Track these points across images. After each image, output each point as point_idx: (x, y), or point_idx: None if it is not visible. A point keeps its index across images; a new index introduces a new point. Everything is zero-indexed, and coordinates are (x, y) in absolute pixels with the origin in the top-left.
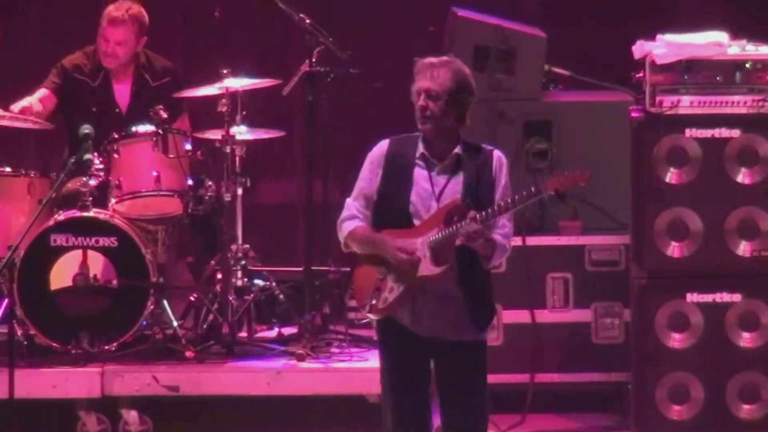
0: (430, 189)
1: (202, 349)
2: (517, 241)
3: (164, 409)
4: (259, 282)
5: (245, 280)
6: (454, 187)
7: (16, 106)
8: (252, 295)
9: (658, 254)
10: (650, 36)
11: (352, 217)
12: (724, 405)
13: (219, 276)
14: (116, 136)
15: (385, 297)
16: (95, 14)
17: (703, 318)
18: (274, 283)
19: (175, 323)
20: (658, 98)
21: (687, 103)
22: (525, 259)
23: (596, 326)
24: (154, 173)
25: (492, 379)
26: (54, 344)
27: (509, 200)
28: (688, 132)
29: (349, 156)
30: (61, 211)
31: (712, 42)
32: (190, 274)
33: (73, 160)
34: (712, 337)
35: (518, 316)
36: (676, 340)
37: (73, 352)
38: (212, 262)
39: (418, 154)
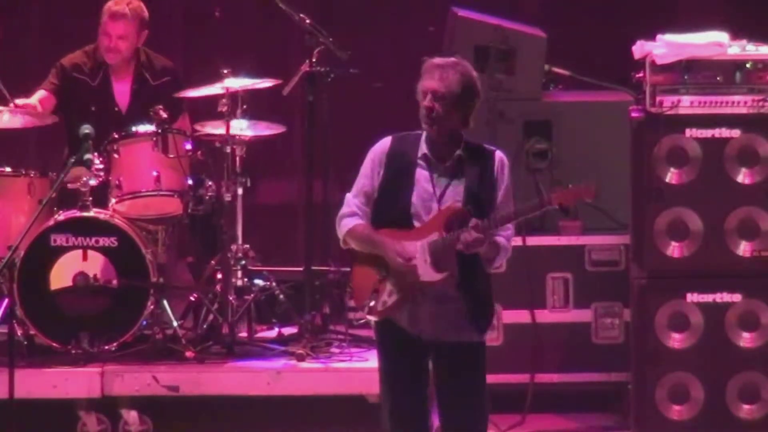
0: (432, 190)
1: (202, 349)
2: (517, 241)
3: (164, 409)
4: (259, 282)
5: (245, 280)
6: (456, 188)
7: (18, 101)
8: (252, 295)
9: (658, 254)
10: (650, 36)
11: (352, 214)
12: (724, 405)
13: (219, 276)
14: (116, 136)
15: (384, 300)
16: (95, 14)
17: (703, 318)
18: (274, 283)
19: (175, 323)
20: (658, 98)
21: (687, 103)
22: (525, 259)
23: (596, 326)
24: (154, 173)
25: (492, 379)
26: (54, 344)
27: (512, 211)
28: (688, 132)
29: (349, 156)
30: (61, 211)
31: (712, 42)
32: (190, 274)
33: (73, 160)
34: (712, 337)
35: (518, 316)
36: (676, 340)
37: (73, 352)
38: (212, 262)
39: (420, 155)
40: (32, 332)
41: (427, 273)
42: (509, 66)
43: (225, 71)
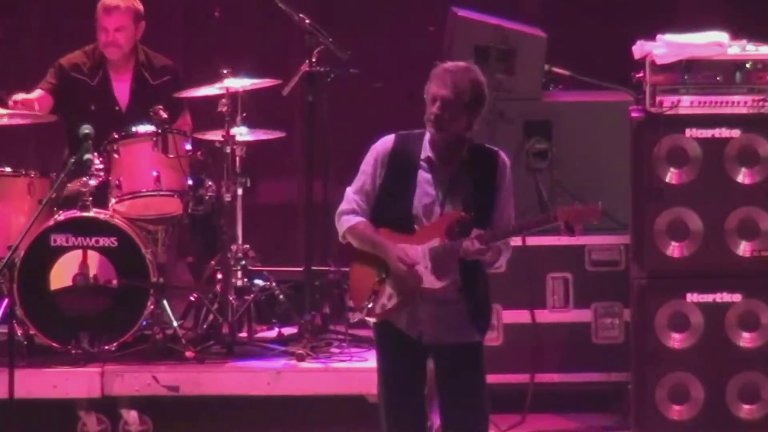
0: (434, 193)
1: (202, 349)
2: (517, 241)
3: (164, 409)
4: (259, 282)
5: (245, 280)
6: (458, 192)
7: (17, 96)
8: (252, 295)
9: (658, 254)
10: (650, 36)
11: (352, 211)
12: (724, 405)
13: (219, 276)
14: (116, 136)
15: (383, 303)
16: (95, 14)
17: (703, 318)
18: (274, 283)
19: (175, 323)
20: (658, 98)
21: (687, 103)
22: (525, 259)
23: (596, 326)
24: (154, 173)
25: (492, 379)
26: (54, 344)
27: (516, 225)
28: (688, 132)
29: (349, 156)
30: (61, 211)
31: (712, 42)
32: (190, 274)
33: (73, 160)
34: (712, 337)
35: (518, 316)
36: (676, 340)
37: (73, 352)
38: (212, 262)
39: (423, 156)
40: (32, 332)
41: (429, 280)
42: (509, 66)
43: (225, 71)
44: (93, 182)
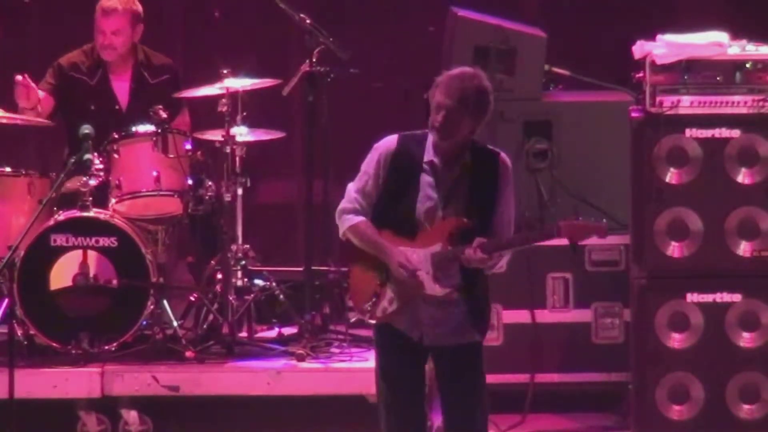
0: (436, 197)
1: (202, 349)
2: None
3: (164, 409)
4: (259, 282)
5: (245, 280)
6: (460, 196)
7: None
8: (252, 295)
9: (658, 254)
10: (650, 36)
11: (354, 210)
12: (724, 405)
13: (219, 276)
14: (116, 136)
15: (384, 307)
16: (94, 14)
17: (703, 318)
18: (274, 283)
19: (175, 323)
20: (658, 98)
21: (687, 103)
22: (525, 259)
23: (596, 326)
24: (154, 173)
25: (492, 379)
26: (54, 344)
27: (519, 237)
28: (688, 132)
29: (349, 156)
30: (61, 211)
31: (712, 42)
32: (190, 274)
33: (73, 160)
34: (712, 337)
35: (518, 316)
36: (676, 340)
37: (73, 352)
38: (212, 262)
39: (426, 160)
40: (32, 332)
41: (430, 286)
42: (509, 66)
43: (225, 71)
44: (93, 182)
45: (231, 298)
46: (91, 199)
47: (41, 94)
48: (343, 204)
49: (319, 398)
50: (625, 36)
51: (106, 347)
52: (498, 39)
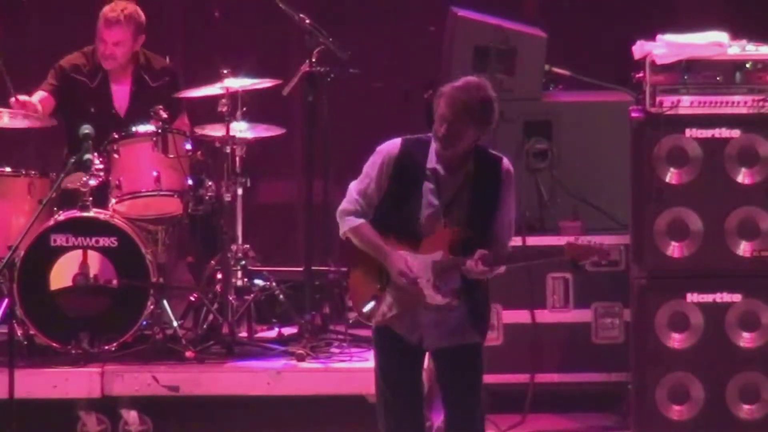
0: (438, 204)
1: (202, 349)
2: (517, 241)
3: (164, 409)
4: (259, 282)
5: (245, 280)
6: (462, 203)
7: (21, 97)
8: (252, 295)
9: (658, 254)
10: (650, 36)
11: (355, 212)
12: (724, 405)
13: (219, 276)
14: (116, 136)
15: (384, 311)
16: (95, 14)
17: (703, 318)
18: (274, 283)
19: (175, 323)
20: (658, 98)
21: (687, 103)
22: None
23: (596, 326)
24: (154, 173)
25: (492, 379)
26: (54, 344)
27: (522, 253)
28: (688, 132)
29: (349, 156)
30: (61, 211)
31: (712, 42)
32: (190, 274)
33: (73, 160)
34: (712, 337)
35: (518, 316)
36: (676, 340)
37: (73, 352)
38: (212, 262)
39: (429, 167)
40: (32, 332)
41: (430, 294)
42: (509, 66)
43: (225, 71)
44: (93, 182)
45: (231, 298)
46: (91, 199)
47: (41, 94)
48: (345, 205)
49: (319, 398)
50: (625, 36)
51: (106, 347)
52: (498, 39)
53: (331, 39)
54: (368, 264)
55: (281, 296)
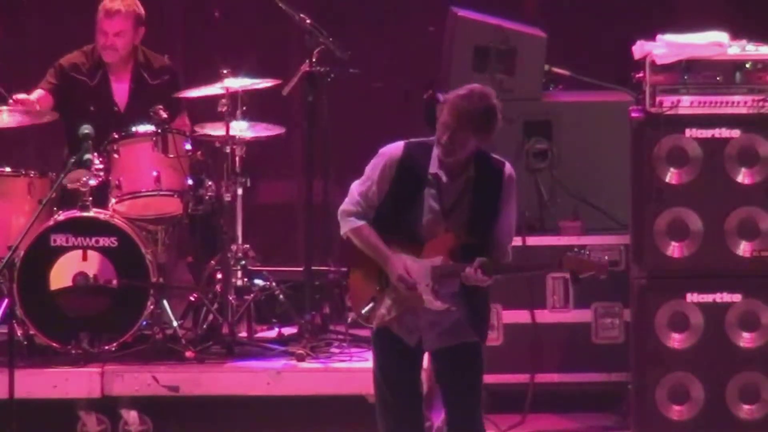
0: (439, 209)
1: (202, 349)
2: (517, 241)
3: (164, 409)
4: (259, 282)
5: (245, 280)
6: (463, 208)
7: (18, 95)
8: (252, 295)
9: (658, 254)
10: (650, 36)
11: (356, 213)
12: (724, 405)
13: (219, 276)
14: (116, 136)
15: (382, 314)
16: (95, 13)
17: (703, 318)
18: (274, 283)
19: (175, 323)
20: (658, 98)
21: (687, 103)
22: (525, 259)
23: (596, 326)
24: (154, 173)
25: (492, 379)
26: (54, 344)
27: (521, 264)
28: (688, 132)
29: (349, 156)
30: (61, 211)
31: (712, 42)
32: (190, 274)
33: (73, 160)
34: (712, 337)
35: (518, 316)
36: (676, 340)
37: (73, 352)
38: (212, 262)
39: (431, 172)
40: (32, 332)
41: (429, 299)
42: (509, 66)
43: (225, 71)
44: (93, 182)
45: (231, 298)
46: (91, 199)
47: (39, 92)
48: (346, 205)
49: (319, 398)
50: (625, 36)
51: (106, 347)
52: (498, 39)
53: (331, 39)
54: (368, 265)
55: (281, 296)
